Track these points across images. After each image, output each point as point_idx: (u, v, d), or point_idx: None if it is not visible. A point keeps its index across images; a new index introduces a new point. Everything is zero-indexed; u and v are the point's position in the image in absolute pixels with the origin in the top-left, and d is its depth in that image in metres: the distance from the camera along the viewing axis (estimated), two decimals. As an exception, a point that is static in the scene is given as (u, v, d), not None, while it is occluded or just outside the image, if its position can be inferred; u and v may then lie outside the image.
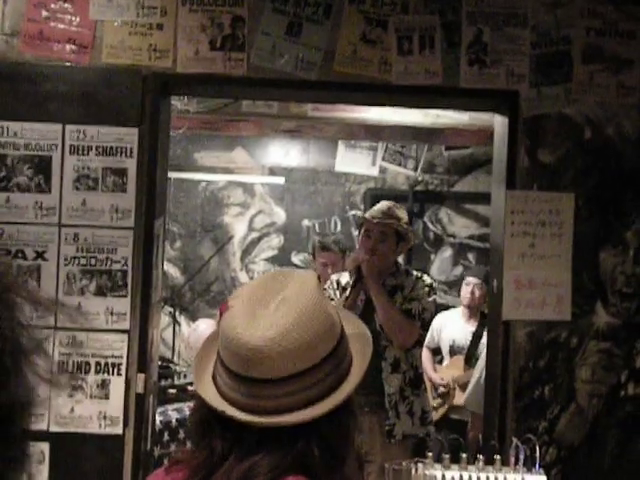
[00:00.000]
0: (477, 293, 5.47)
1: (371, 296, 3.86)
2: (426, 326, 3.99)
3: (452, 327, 5.58)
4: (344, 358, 1.37)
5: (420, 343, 4.01)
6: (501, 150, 3.72)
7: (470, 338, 5.43)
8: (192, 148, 7.09)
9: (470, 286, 5.52)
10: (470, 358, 5.39)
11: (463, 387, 5.31)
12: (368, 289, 3.87)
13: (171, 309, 6.61)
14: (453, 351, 5.55)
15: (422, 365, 4.47)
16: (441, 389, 5.51)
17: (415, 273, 4.06)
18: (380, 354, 3.81)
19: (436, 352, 5.74)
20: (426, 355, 5.77)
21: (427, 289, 3.94)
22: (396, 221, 3.93)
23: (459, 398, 5.36)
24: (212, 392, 1.36)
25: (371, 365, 3.42)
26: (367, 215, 4.03)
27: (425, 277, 4.05)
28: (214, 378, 1.38)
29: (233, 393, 1.32)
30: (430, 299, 3.94)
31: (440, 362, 5.70)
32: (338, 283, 4.05)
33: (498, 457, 2.90)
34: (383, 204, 4.08)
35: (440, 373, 5.64)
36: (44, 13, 3.48)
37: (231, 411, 1.31)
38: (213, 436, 1.33)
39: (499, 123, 3.78)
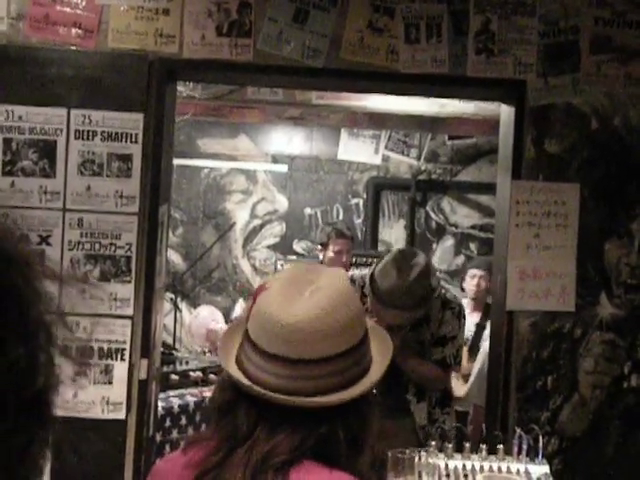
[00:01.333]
0: (483, 285, 5.44)
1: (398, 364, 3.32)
2: (460, 363, 3.89)
3: None
4: (369, 348, 1.42)
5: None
6: (507, 140, 3.71)
7: (474, 329, 5.42)
8: (195, 135, 7.08)
9: (476, 278, 5.48)
10: (473, 349, 5.37)
11: (465, 378, 5.30)
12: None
13: (172, 296, 6.61)
14: None
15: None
16: None
17: (441, 295, 3.64)
18: (405, 386, 3.62)
19: None
20: None
21: (457, 320, 3.64)
22: (418, 307, 3.39)
23: (460, 390, 5.35)
24: (239, 374, 1.37)
25: (399, 397, 3.21)
26: (382, 297, 3.35)
27: (452, 300, 3.70)
28: (238, 362, 1.39)
29: (264, 374, 1.33)
30: (461, 331, 3.69)
31: None
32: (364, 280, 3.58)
33: (501, 447, 2.90)
34: (395, 278, 3.34)
35: None
36: (50, -3, 3.46)
37: (261, 389, 1.33)
38: (237, 415, 1.34)
39: (505, 113, 3.77)
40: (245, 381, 1.34)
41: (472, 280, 5.50)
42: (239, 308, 6.69)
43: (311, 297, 1.35)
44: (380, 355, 1.44)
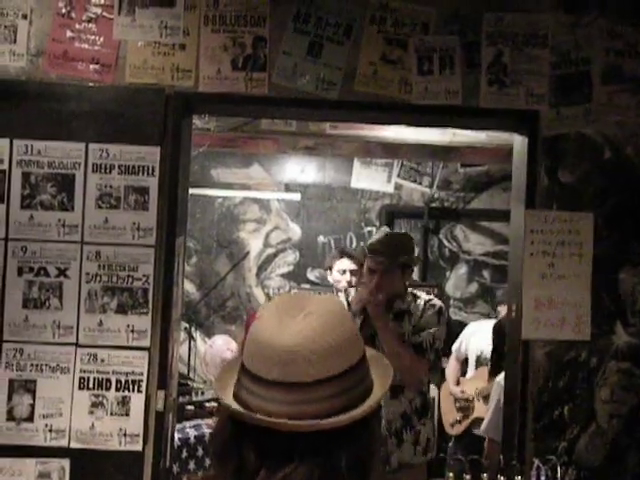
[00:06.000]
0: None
1: (377, 331, 3.73)
2: (439, 355, 3.86)
3: (481, 338, 5.59)
4: (368, 371, 1.39)
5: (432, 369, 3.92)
6: (520, 170, 3.73)
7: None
8: (209, 164, 7.13)
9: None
10: (495, 370, 5.40)
11: (487, 398, 5.30)
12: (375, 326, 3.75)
13: (187, 325, 6.63)
14: (479, 362, 5.56)
15: (447, 378, 4.37)
16: (462, 402, 5.51)
17: (423, 297, 3.94)
18: None
19: (464, 363, 5.75)
20: (453, 365, 5.78)
21: (437, 315, 3.85)
22: (398, 252, 3.81)
23: (482, 410, 5.35)
24: (237, 405, 1.34)
25: None
26: (368, 249, 3.89)
27: (434, 300, 3.94)
28: (236, 397, 1.36)
29: (264, 403, 1.30)
30: (441, 326, 3.83)
31: (464, 374, 5.71)
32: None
33: (519, 478, 2.89)
34: (382, 234, 3.95)
35: (463, 385, 5.64)
36: (69, 33, 3.52)
37: (264, 416, 1.29)
38: (243, 449, 1.31)
39: (518, 143, 3.79)
40: (244, 410, 1.31)
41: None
42: None
43: (304, 319, 1.33)
44: (380, 378, 1.41)
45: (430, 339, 3.79)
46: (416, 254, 4.07)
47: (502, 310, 5.72)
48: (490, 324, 5.65)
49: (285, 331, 1.31)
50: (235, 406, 1.34)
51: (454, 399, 5.63)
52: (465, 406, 5.50)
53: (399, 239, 3.95)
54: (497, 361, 5.11)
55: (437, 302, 3.93)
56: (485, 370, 5.44)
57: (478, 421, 5.36)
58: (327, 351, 1.30)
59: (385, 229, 4.04)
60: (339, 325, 1.34)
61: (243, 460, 1.30)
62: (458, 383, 5.75)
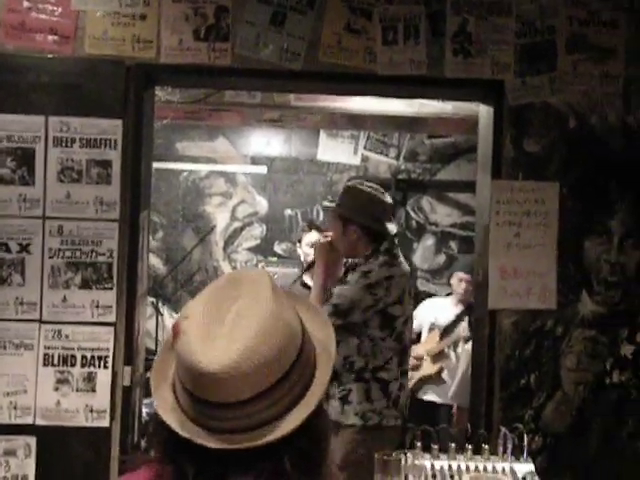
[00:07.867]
0: (470, 288, 5.62)
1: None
2: (338, 312, 3.52)
3: (437, 311, 5.71)
4: (308, 363, 1.31)
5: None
6: (486, 140, 3.72)
7: (453, 318, 5.57)
8: (174, 138, 7.05)
9: (463, 283, 5.67)
10: (447, 332, 5.54)
11: (434, 358, 5.46)
12: None
13: (154, 300, 6.58)
14: (432, 329, 5.67)
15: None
16: (413, 361, 5.61)
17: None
18: None
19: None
20: None
21: (359, 274, 3.61)
22: (339, 203, 3.78)
23: (430, 368, 5.48)
24: (175, 412, 1.28)
25: None
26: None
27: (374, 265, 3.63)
28: (174, 392, 1.30)
29: (199, 415, 1.25)
30: (355, 286, 3.56)
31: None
32: None
33: (486, 446, 2.91)
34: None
35: (416, 350, 5.73)
36: (25, 3, 3.44)
37: (198, 436, 1.24)
38: (180, 458, 1.25)
39: (484, 113, 3.78)
40: (183, 433, 1.24)
41: (460, 283, 5.69)
42: None
43: (232, 331, 1.24)
44: (323, 357, 1.33)
45: (336, 292, 3.58)
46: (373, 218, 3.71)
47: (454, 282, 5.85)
48: (448, 301, 5.79)
49: (212, 351, 1.22)
50: (173, 414, 1.27)
51: None
52: (415, 365, 5.61)
53: (350, 193, 3.83)
54: None
55: (374, 267, 3.62)
56: (436, 333, 5.58)
57: (426, 379, 5.47)
58: (260, 366, 1.23)
59: (354, 182, 4.03)
60: (273, 328, 1.25)
61: (180, 468, 1.24)
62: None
